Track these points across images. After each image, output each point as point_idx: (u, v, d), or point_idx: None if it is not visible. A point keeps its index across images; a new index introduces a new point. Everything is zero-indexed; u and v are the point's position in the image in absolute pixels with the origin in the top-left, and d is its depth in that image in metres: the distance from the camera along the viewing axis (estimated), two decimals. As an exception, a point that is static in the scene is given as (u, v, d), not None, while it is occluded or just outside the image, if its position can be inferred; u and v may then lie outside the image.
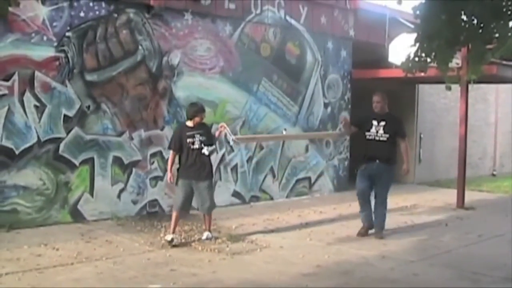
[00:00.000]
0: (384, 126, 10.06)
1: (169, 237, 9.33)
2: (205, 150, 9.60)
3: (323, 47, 15.50)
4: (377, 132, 10.08)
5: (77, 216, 10.81)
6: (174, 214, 9.60)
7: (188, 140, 9.49)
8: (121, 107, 11.33)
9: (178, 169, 9.68)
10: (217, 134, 10.13)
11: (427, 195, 15.73)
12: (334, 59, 15.86)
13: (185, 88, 12.35)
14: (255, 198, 13.88)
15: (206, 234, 9.78)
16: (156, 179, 11.77)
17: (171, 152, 9.73)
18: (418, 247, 9.61)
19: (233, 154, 13.39)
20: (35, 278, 7.41)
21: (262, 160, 14.08)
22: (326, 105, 15.60)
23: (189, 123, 9.69)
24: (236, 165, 13.50)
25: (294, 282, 7.49)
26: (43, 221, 10.35)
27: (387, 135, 10.03)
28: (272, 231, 10.66)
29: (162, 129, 11.96)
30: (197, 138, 9.52)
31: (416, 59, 8.04)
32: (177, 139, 9.63)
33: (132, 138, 11.53)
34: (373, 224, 10.24)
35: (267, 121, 14.11)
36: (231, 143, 10.75)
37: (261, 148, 14.01)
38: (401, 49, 11.05)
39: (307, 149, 15.17)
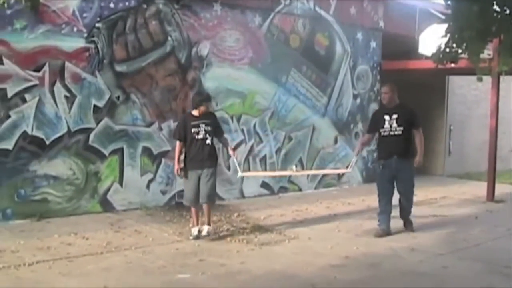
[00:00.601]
0: (397, 119, 9.53)
1: (195, 230, 9.22)
2: (209, 141, 9.20)
3: (353, 38, 15.43)
4: (390, 126, 9.56)
5: (106, 206, 10.89)
6: (192, 210, 9.39)
7: (193, 130, 9.14)
8: (151, 98, 11.38)
9: (184, 161, 9.31)
10: (231, 153, 9.87)
11: (457, 187, 15.62)
12: (364, 50, 15.78)
13: (214, 79, 12.37)
14: (284, 189, 13.87)
15: (206, 229, 9.25)
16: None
17: (177, 142, 9.34)
18: (447, 240, 9.54)
19: (261, 145, 13.40)
20: (66, 266, 7.48)
21: (291, 151, 14.07)
22: (355, 97, 15.55)
23: (195, 112, 9.29)
24: (265, 156, 13.51)
25: (323, 273, 7.48)
26: (73, 211, 10.44)
27: (402, 128, 9.52)
28: (300, 222, 10.66)
29: (191, 120, 11.98)
30: (202, 128, 9.15)
31: (447, 50, 7.95)
32: (181, 128, 9.28)
33: (161, 129, 11.58)
34: (390, 228, 9.70)
35: (296, 112, 14.09)
36: (238, 175, 10.42)
37: (290, 139, 14.00)
38: (432, 40, 10.96)
39: (336, 141, 15.13)
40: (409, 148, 9.68)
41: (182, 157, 9.33)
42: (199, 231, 9.22)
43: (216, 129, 9.42)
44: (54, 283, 6.79)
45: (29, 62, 9.86)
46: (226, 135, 10.25)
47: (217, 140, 9.56)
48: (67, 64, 10.29)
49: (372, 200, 12.13)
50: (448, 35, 7.90)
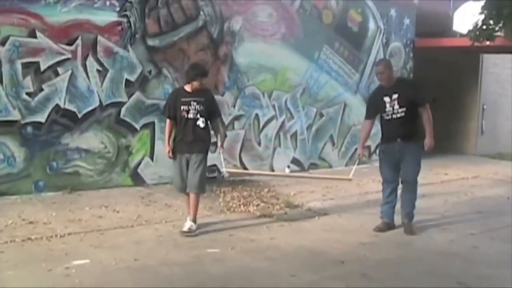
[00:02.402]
0: (398, 99, 8.20)
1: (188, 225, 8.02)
2: (201, 122, 8.01)
3: (386, 15, 15.27)
4: (393, 109, 8.25)
5: (137, 179, 10.95)
6: (185, 197, 8.38)
7: (182, 107, 7.98)
8: (182, 72, 11.29)
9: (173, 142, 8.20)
10: (219, 148, 8.43)
11: (489, 167, 15.48)
12: (397, 27, 15.62)
13: (246, 54, 12.33)
14: (314, 166, 13.85)
15: (188, 225, 8.00)
16: (215, 144, 11.75)
17: (167, 121, 8.28)
18: (478, 220, 9.46)
19: (293, 121, 13.37)
20: (97, 239, 7.55)
21: (322, 128, 14.03)
22: (387, 74, 15.40)
23: (187, 88, 8.13)
24: (295, 132, 13.49)
25: (352, 251, 7.46)
26: (104, 184, 10.52)
27: (404, 108, 8.18)
28: (330, 199, 10.66)
29: (222, 95, 11.96)
30: (193, 106, 7.97)
31: (484, 27, 7.84)
32: (171, 104, 8.14)
33: (192, 103, 11.56)
34: (393, 221, 8.65)
35: (328, 89, 14.02)
36: (222, 173, 9.08)
37: (321, 115, 13.95)
38: (467, 17, 10.79)
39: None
40: (415, 130, 8.35)
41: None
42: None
43: (210, 110, 8.17)
44: (85, 254, 6.85)
45: (62, 35, 9.89)
46: (222, 122, 8.95)
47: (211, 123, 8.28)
48: (99, 38, 10.31)
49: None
50: (485, 12, 7.78)
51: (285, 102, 13.18)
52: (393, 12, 15.43)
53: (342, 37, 14.21)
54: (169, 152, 8.14)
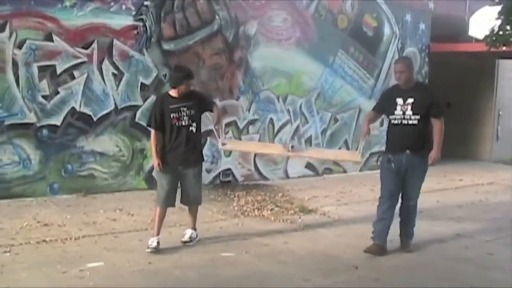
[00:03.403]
0: (413, 104, 7.41)
1: (153, 241, 7.35)
2: (194, 128, 7.48)
3: (401, 20, 15.23)
4: (404, 113, 7.45)
5: (151, 183, 10.93)
6: (157, 211, 7.63)
7: (172, 114, 7.37)
8: (197, 77, 11.33)
9: (160, 153, 7.55)
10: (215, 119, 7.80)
11: (504, 173, 15.38)
12: (412, 32, 15.58)
13: (261, 58, 12.33)
14: (328, 171, 13.83)
15: (189, 233, 7.78)
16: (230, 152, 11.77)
17: (152, 132, 7.57)
18: (493, 227, 9.41)
19: (307, 126, 13.36)
20: (111, 241, 7.58)
21: (337, 133, 14.01)
22: (402, 79, 15.35)
23: (173, 93, 7.49)
24: (310, 137, 13.47)
25: (365, 256, 7.43)
26: (119, 187, 10.56)
27: (418, 116, 7.39)
28: (344, 204, 10.63)
29: (237, 99, 12.00)
30: (184, 112, 7.38)
31: (501, 32, 7.79)
32: (158, 113, 7.43)
33: (207, 108, 11.57)
34: (386, 244, 7.70)
35: (342, 94, 14.00)
36: (219, 146, 8.50)
37: (336, 120, 13.93)
38: (483, 22, 10.72)
39: (382, 123, 14.98)
40: (425, 142, 7.54)
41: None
42: (158, 243, 7.40)
43: (204, 107, 7.71)
44: (99, 257, 6.88)
45: (78, 39, 9.96)
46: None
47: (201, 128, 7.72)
48: (115, 41, 10.36)
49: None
50: (502, 17, 7.75)
51: (300, 106, 13.17)
52: (408, 17, 15.39)
53: (357, 42, 14.20)
54: (158, 164, 7.51)
